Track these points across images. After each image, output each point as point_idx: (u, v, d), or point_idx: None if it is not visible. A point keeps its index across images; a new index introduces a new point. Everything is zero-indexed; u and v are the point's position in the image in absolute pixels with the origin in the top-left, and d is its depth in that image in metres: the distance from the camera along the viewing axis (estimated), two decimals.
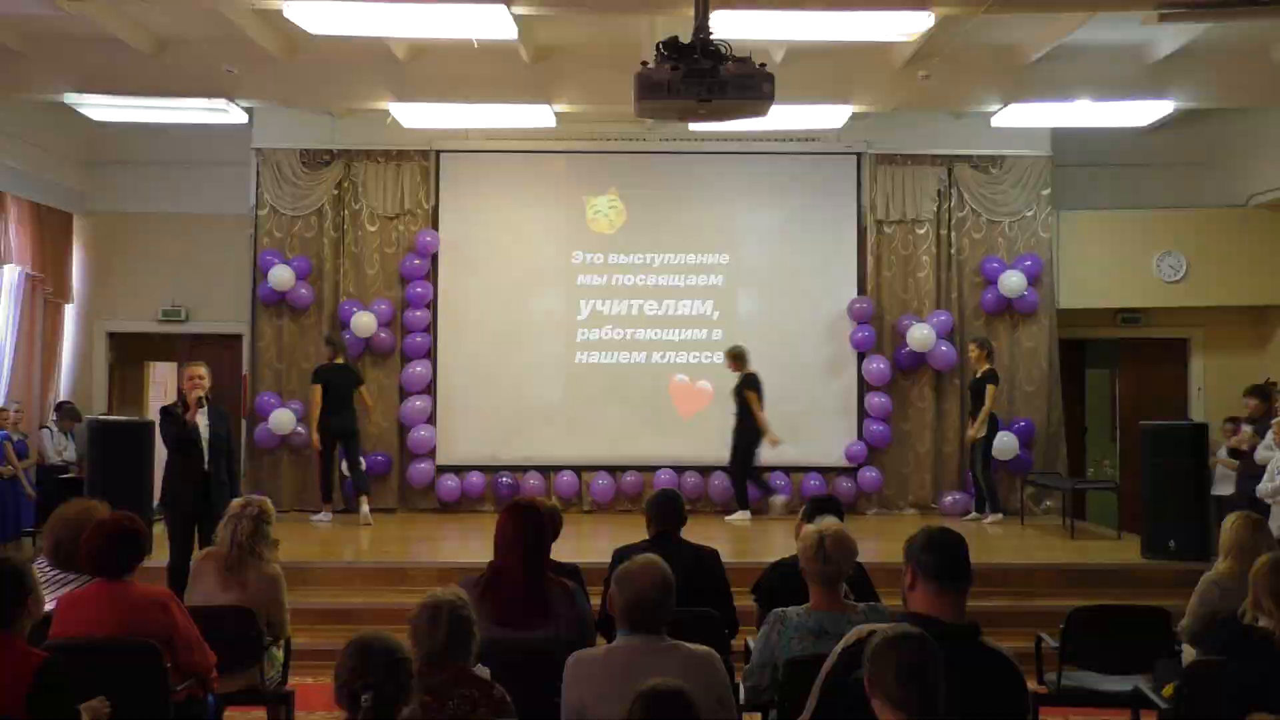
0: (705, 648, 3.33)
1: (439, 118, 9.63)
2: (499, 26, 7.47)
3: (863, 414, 10.80)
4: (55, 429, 10.30)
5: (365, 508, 9.69)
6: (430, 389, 10.78)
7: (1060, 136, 10.69)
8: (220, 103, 9.22)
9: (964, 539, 2.92)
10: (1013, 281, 10.59)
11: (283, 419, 10.34)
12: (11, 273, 10.10)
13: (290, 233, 10.85)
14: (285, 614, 4.88)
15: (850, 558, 3.80)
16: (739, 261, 11.01)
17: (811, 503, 4.73)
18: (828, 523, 3.86)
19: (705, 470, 10.60)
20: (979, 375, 10.07)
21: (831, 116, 9.68)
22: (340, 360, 9.97)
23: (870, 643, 2.58)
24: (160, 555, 7.83)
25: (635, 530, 5.31)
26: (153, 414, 10.71)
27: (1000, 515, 10.01)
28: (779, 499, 10.33)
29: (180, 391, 7.27)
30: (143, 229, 11.17)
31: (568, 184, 11.03)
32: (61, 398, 10.78)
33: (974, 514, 10.14)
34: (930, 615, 2.77)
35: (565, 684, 3.26)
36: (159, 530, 7.09)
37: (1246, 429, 8.76)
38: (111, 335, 11.32)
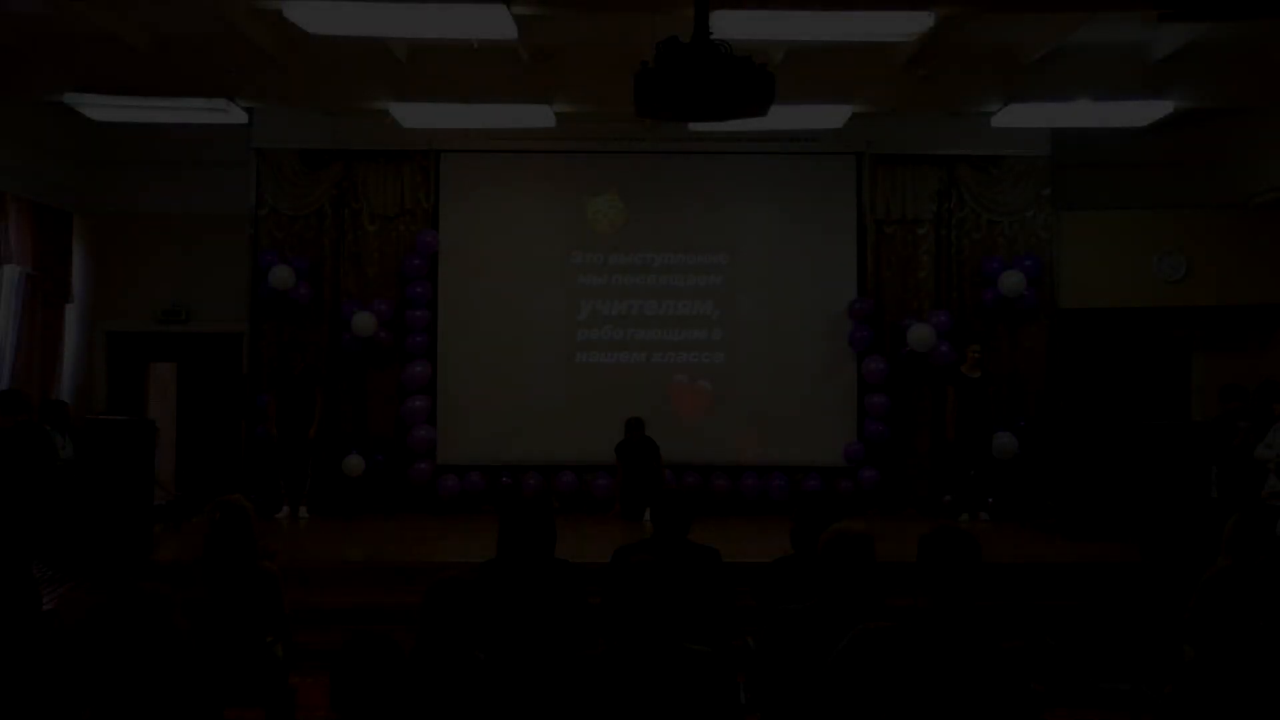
0: (705, 648, 3.33)
1: (439, 118, 9.63)
2: (499, 26, 7.47)
3: (862, 414, 10.80)
4: (50, 429, 10.25)
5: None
6: (430, 389, 10.79)
7: (1060, 136, 10.69)
8: (220, 102, 9.22)
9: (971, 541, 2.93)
10: (1013, 281, 10.58)
11: None
12: (11, 273, 10.09)
13: (290, 233, 10.85)
14: (285, 613, 4.86)
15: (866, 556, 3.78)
16: (739, 261, 11.01)
17: (802, 503, 4.71)
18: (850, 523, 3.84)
19: (705, 470, 10.64)
20: (980, 376, 10.14)
21: (831, 116, 9.68)
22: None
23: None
24: (161, 555, 7.89)
25: (635, 529, 5.31)
26: (153, 414, 10.73)
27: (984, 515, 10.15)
28: None
29: None
30: (143, 229, 11.17)
31: (568, 184, 11.02)
32: (62, 398, 10.75)
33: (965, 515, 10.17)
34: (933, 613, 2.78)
35: (568, 683, 3.26)
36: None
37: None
38: (111, 335, 11.31)
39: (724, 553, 5.04)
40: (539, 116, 9.48)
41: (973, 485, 10.28)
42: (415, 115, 9.55)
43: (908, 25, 7.65)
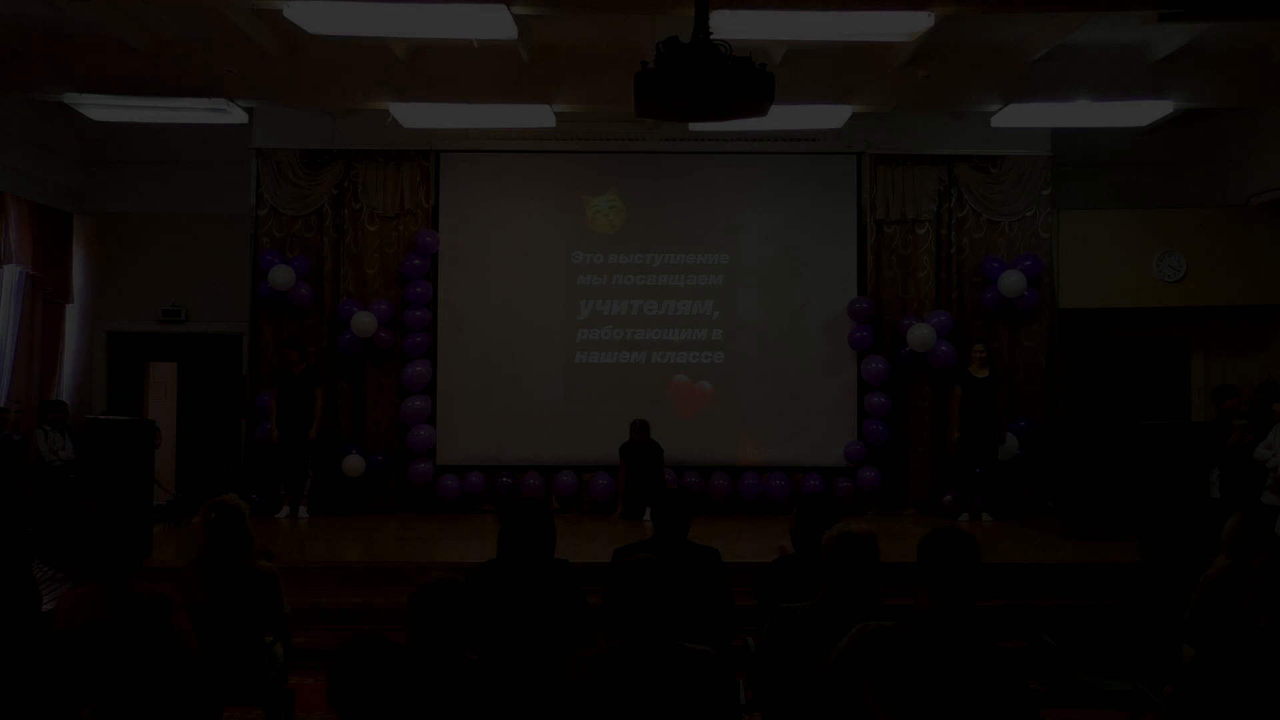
0: (705, 648, 3.33)
1: (439, 118, 9.63)
2: (499, 26, 7.47)
3: (862, 414, 10.79)
4: (49, 429, 10.28)
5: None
6: (430, 389, 10.79)
7: (1060, 136, 10.69)
8: (220, 102, 9.22)
9: (971, 542, 2.92)
10: (1013, 281, 10.58)
11: None
12: (11, 273, 10.10)
13: (290, 233, 10.85)
14: (284, 613, 4.86)
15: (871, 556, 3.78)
16: (739, 261, 11.01)
17: (804, 503, 4.71)
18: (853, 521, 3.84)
19: (705, 470, 10.64)
20: (987, 375, 10.11)
21: (831, 116, 9.68)
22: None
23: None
24: (161, 555, 7.89)
25: (635, 529, 5.31)
26: (152, 414, 10.73)
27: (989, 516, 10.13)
28: None
29: None
30: (143, 229, 11.18)
31: (568, 184, 11.02)
32: (62, 398, 10.76)
33: (965, 515, 10.16)
34: (933, 614, 2.78)
35: (565, 682, 3.26)
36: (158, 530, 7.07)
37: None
38: (111, 335, 11.32)
39: (724, 553, 5.04)
40: (539, 116, 9.47)
41: (977, 485, 10.26)
42: (415, 115, 9.55)
43: (908, 25, 7.65)
